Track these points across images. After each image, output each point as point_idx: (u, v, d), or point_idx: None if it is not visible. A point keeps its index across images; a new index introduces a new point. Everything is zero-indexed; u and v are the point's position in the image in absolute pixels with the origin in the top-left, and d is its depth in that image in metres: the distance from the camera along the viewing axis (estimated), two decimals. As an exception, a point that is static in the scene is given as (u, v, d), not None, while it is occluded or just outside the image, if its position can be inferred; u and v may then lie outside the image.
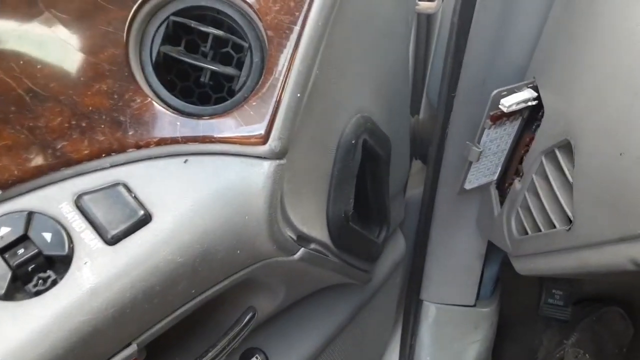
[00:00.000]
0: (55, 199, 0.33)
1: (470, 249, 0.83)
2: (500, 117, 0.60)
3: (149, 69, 0.37)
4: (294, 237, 0.41)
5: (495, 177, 0.70)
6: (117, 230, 0.32)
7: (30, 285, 0.30)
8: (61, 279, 0.31)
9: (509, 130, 0.63)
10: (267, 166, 0.35)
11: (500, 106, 0.58)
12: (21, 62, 0.34)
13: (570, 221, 0.50)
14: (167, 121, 0.35)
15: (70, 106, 0.34)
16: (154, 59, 0.37)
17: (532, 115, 0.62)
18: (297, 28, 0.36)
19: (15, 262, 0.30)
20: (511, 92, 0.58)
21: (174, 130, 0.35)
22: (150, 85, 0.37)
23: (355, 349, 0.71)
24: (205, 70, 0.37)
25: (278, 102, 0.35)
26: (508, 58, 0.63)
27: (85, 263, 0.31)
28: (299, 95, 0.36)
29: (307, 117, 0.38)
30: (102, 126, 0.35)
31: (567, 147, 0.51)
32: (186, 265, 0.34)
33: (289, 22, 0.36)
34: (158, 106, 0.36)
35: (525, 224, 0.61)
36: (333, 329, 0.62)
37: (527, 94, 0.58)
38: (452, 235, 0.82)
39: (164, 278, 0.33)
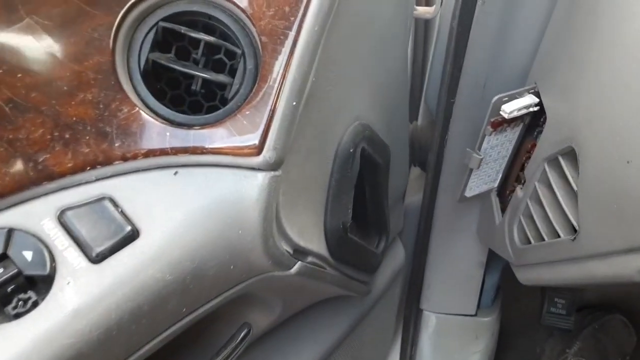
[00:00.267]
0: (37, 215, 0.31)
1: (471, 257, 0.82)
2: (501, 124, 0.59)
3: (137, 77, 0.35)
4: (290, 251, 0.39)
5: (496, 184, 0.69)
6: (102, 247, 0.30)
7: (9, 307, 0.29)
8: (42, 300, 0.29)
9: (510, 137, 0.62)
10: (261, 178, 0.34)
11: (501, 112, 0.57)
12: (0, 71, 0.32)
13: (575, 230, 0.48)
14: (156, 131, 0.34)
15: (53, 117, 0.33)
16: (142, 66, 0.35)
17: (534, 121, 0.61)
18: (292, 34, 0.34)
19: (-7, 283, 0.29)
20: (512, 97, 0.57)
21: (163, 141, 0.34)
22: (138, 94, 0.35)
23: (354, 362, 0.69)
24: (196, 78, 0.36)
25: (273, 111, 0.34)
26: (508, 63, 0.62)
27: (68, 283, 0.30)
28: (294, 103, 0.34)
29: (303, 126, 0.37)
30: (87, 137, 0.33)
31: (571, 154, 0.49)
32: (176, 283, 0.32)
33: (283, 27, 0.35)
34: (146, 116, 0.34)
35: (528, 233, 0.59)
36: (331, 343, 0.61)
37: (529, 99, 0.57)
38: (452, 244, 0.81)
39: (152, 297, 0.31)
